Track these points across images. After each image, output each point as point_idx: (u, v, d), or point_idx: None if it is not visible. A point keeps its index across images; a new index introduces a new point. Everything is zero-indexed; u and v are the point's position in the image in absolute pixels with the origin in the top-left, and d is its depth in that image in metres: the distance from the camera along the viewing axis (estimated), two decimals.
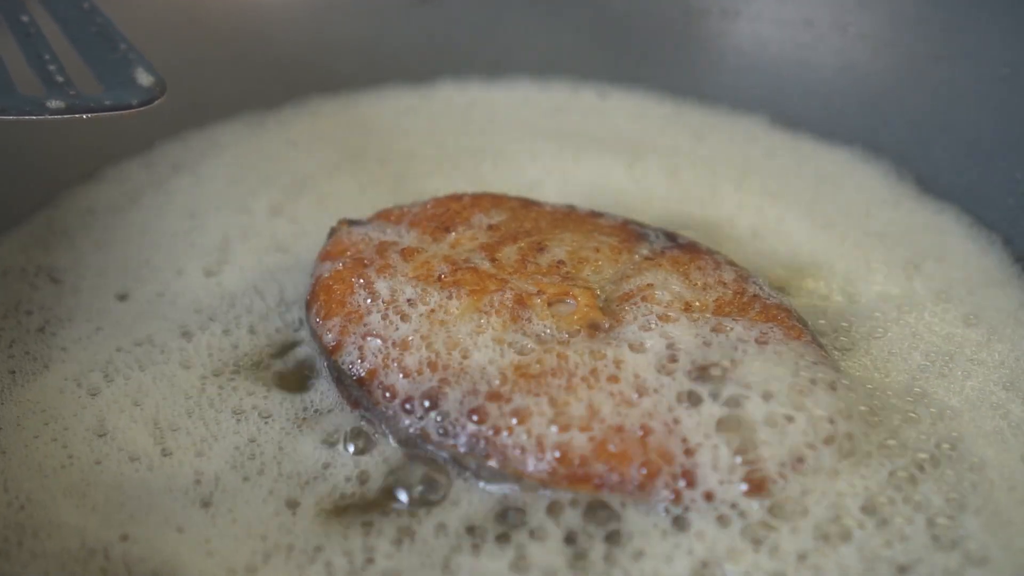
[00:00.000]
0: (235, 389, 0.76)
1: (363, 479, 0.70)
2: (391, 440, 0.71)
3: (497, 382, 0.69)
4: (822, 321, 0.81)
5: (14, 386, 0.77)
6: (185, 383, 0.77)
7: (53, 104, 0.74)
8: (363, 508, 0.68)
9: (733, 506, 0.66)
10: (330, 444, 0.72)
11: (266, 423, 0.74)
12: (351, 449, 0.72)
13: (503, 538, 0.66)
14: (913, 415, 0.73)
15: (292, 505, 0.69)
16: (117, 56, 0.79)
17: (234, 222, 0.92)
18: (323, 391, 0.76)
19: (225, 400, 0.75)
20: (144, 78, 0.78)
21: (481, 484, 0.68)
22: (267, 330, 0.81)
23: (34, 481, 0.70)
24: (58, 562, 0.65)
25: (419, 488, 0.69)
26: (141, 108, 0.76)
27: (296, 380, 0.77)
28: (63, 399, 0.76)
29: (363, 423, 0.73)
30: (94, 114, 0.74)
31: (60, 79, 0.77)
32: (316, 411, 0.74)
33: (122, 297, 0.85)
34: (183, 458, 0.72)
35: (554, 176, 0.97)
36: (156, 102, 0.77)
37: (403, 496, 0.69)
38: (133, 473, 0.71)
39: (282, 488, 0.70)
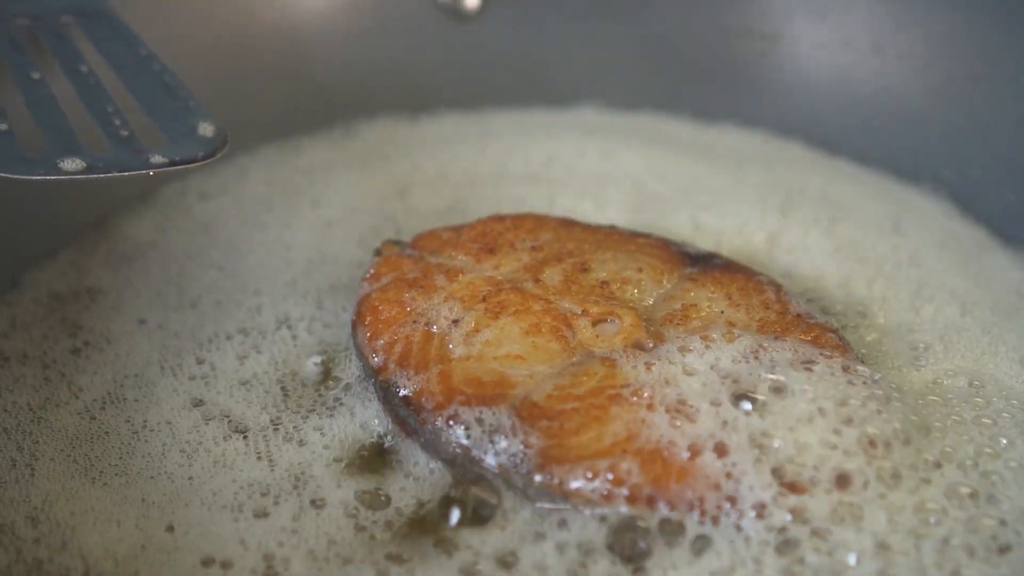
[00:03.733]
0: (283, 413, 0.77)
1: (420, 502, 0.71)
2: (437, 460, 0.72)
3: (542, 401, 0.70)
4: (864, 346, 0.81)
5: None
6: (250, 396, 0.78)
7: (113, 160, 0.74)
8: (421, 528, 0.69)
9: (781, 529, 0.66)
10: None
11: (311, 446, 0.75)
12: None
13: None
14: (964, 434, 0.73)
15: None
16: (177, 105, 0.79)
17: (274, 246, 0.93)
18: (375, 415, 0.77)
19: (276, 425, 0.77)
20: (206, 129, 0.78)
21: (528, 498, 0.69)
22: (312, 351, 0.82)
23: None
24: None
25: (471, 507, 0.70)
26: (205, 161, 0.76)
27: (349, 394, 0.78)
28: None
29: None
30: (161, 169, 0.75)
31: (125, 133, 0.77)
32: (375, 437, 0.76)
33: (156, 322, 0.86)
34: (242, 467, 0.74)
35: (591, 199, 0.98)
36: (219, 154, 0.77)
37: (455, 515, 0.70)
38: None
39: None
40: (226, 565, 0.67)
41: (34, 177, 0.72)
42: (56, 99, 0.78)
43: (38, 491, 0.72)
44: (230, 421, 0.77)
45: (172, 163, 0.75)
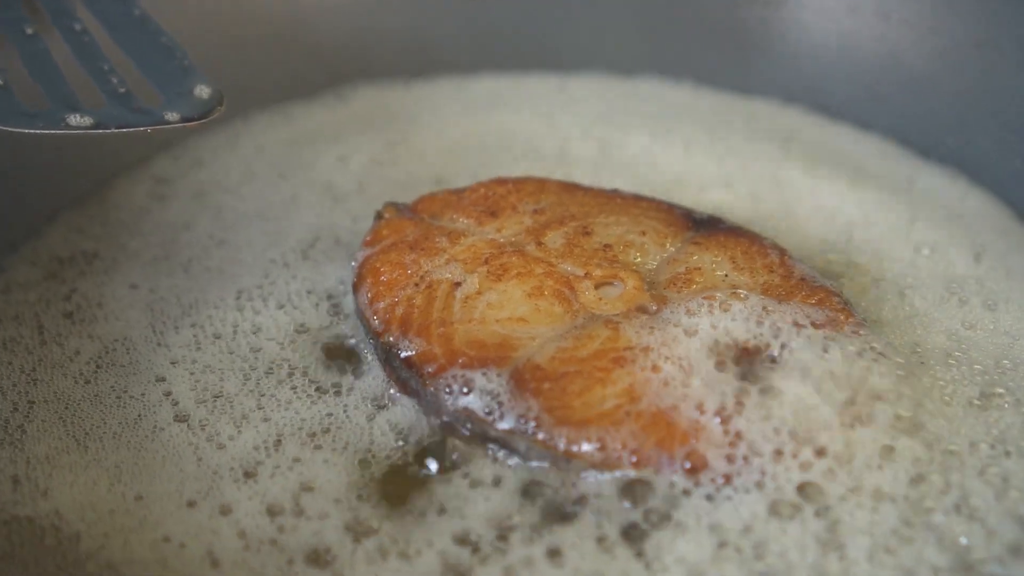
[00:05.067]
0: (284, 371, 0.77)
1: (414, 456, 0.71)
2: (436, 420, 0.72)
3: (544, 363, 0.70)
4: (866, 302, 0.81)
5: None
6: (235, 364, 0.78)
7: (116, 117, 0.74)
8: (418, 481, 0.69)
9: (782, 488, 0.66)
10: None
11: (315, 401, 0.75)
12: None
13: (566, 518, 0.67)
14: (962, 394, 0.73)
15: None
16: (174, 66, 0.79)
17: (268, 212, 0.92)
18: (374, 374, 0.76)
19: (277, 382, 0.76)
20: (202, 91, 0.77)
21: (529, 464, 0.69)
22: (313, 315, 0.81)
23: None
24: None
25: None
26: (202, 121, 0.76)
27: (344, 359, 0.78)
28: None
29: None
30: (157, 127, 0.75)
31: (122, 90, 0.76)
32: (365, 397, 0.75)
33: (148, 287, 0.85)
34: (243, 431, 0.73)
35: (596, 165, 0.97)
36: (216, 114, 0.77)
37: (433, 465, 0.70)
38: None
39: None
40: (183, 545, 0.66)
41: (38, 131, 0.72)
42: (51, 55, 0.77)
43: (26, 451, 0.72)
44: (214, 388, 0.76)
45: (175, 121, 0.75)
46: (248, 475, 0.70)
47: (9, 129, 0.71)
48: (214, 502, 0.69)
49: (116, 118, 0.74)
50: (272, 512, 0.68)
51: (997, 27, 0.96)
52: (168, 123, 0.75)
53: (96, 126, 0.72)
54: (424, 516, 0.67)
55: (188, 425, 0.73)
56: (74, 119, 0.72)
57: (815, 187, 0.94)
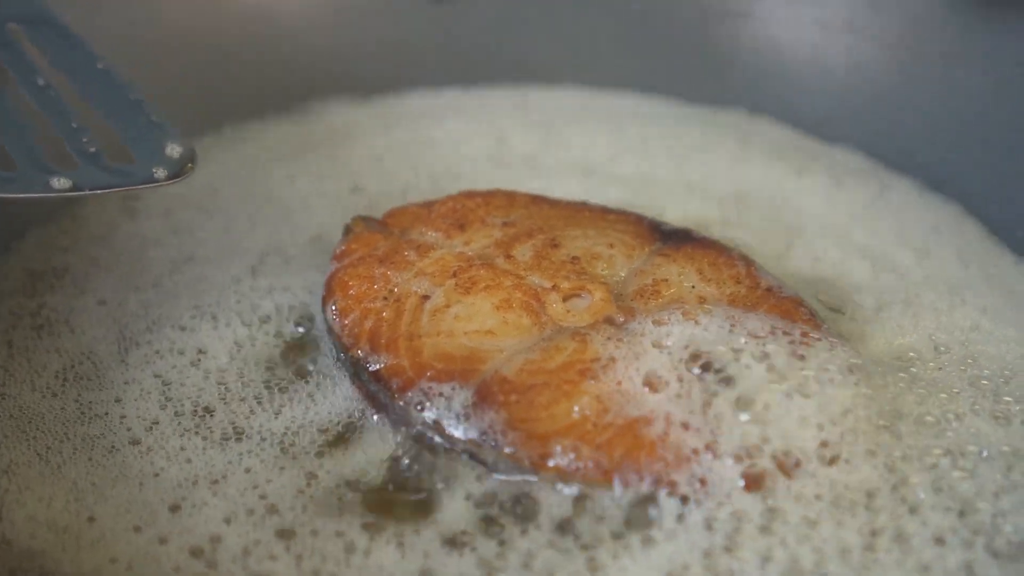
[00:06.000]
0: (250, 383, 0.77)
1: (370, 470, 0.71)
2: (403, 434, 0.72)
3: (512, 375, 0.70)
4: (834, 312, 0.82)
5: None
6: (200, 379, 0.78)
7: (66, 182, 0.72)
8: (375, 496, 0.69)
9: (750, 500, 0.66)
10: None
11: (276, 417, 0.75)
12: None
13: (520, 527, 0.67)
14: (932, 404, 0.73)
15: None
16: (143, 121, 0.78)
17: (249, 223, 0.92)
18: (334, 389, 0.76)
19: (245, 389, 0.76)
20: (174, 149, 0.76)
21: (497, 476, 0.69)
22: (281, 328, 0.81)
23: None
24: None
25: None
26: (175, 181, 0.75)
27: (310, 375, 0.78)
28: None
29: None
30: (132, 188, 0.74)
31: (93, 149, 0.75)
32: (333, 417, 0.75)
33: (116, 302, 0.85)
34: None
35: (565, 178, 0.98)
36: (190, 172, 0.76)
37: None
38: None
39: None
40: (130, 567, 0.66)
41: (20, 196, 0.71)
42: (18, 114, 0.76)
43: None
44: (179, 406, 0.76)
45: (150, 182, 0.74)
46: (176, 508, 0.69)
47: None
48: (153, 531, 0.68)
49: (93, 180, 0.73)
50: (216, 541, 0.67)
51: (965, 41, 0.97)
52: (144, 184, 0.74)
53: (74, 188, 0.72)
54: (396, 530, 0.67)
55: (141, 447, 0.73)
56: (56, 182, 0.72)
57: (783, 199, 0.95)
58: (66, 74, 0.80)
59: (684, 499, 0.66)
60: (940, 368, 0.76)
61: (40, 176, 0.72)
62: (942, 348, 0.78)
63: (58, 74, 0.80)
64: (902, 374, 0.75)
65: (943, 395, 0.74)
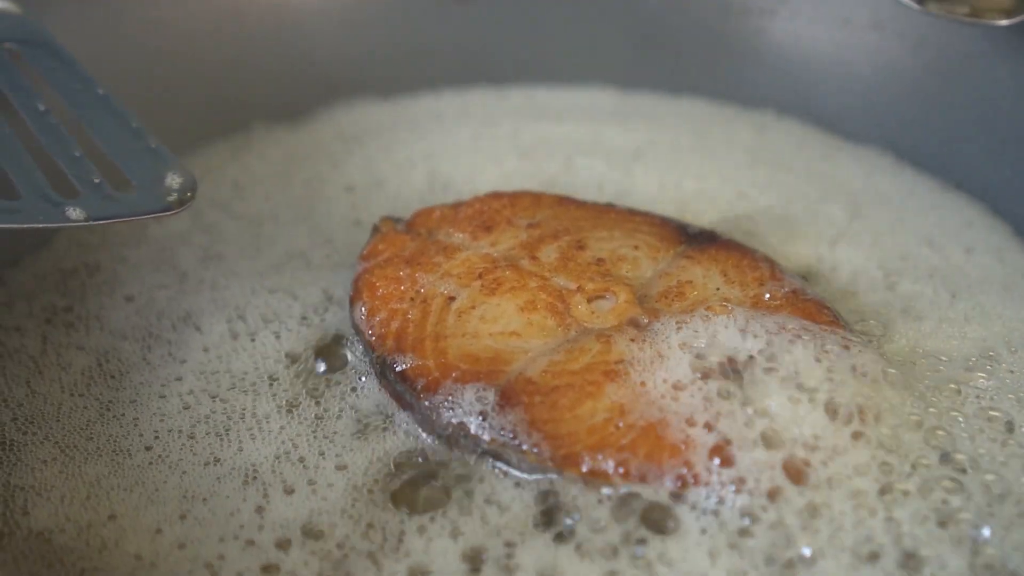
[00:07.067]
0: (280, 386, 0.78)
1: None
2: (429, 433, 0.73)
3: (536, 377, 0.70)
4: (858, 315, 0.82)
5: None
6: (225, 383, 0.79)
7: (76, 213, 0.72)
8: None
9: (774, 504, 0.66)
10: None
11: (307, 418, 0.76)
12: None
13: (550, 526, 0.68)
14: (957, 409, 0.73)
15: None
16: (142, 150, 0.78)
17: (273, 225, 0.93)
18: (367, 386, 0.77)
19: (274, 395, 0.77)
20: (174, 180, 0.77)
21: (521, 474, 0.69)
22: (311, 329, 0.82)
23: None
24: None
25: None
26: (178, 212, 0.75)
27: (339, 375, 0.78)
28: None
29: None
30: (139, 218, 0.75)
31: (96, 180, 0.75)
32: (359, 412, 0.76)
33: (143, 299, 0.86)
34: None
35: (594, 178, 0.98)
36: (190, 203, 0.76)
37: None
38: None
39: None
40: (152, 566, 0.67)
41: (36, 226, 0.72)
42: (22, 142, 0.76)
43: (17, 463, 0.73)
44: (200, 405, 0.77)
45: (155, 212, 0.75)
46: (196, 507, 0.70)
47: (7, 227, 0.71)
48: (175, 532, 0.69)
49: (101, 210, 0.73)
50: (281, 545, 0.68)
51: (990, 39, 0.97)
52: (149, 215, 0.74)
53: (88, 219, 0.72)
54: (426, 529, 0.68)
55: (154, 451, 0.74)
56: (72, 212, 0.72)
57: (809, 198, 0.95)
58: (65, 99, 0.80)
59: (707, 499, 0.66)
60: (968, 370, 0.76)
61: (48, 206, 0.72)
62: (970, 351, 0.78)
63: (58, 98, 0.80)
64: (929, 373, 0.76)
65: (971, 398, 0.74)
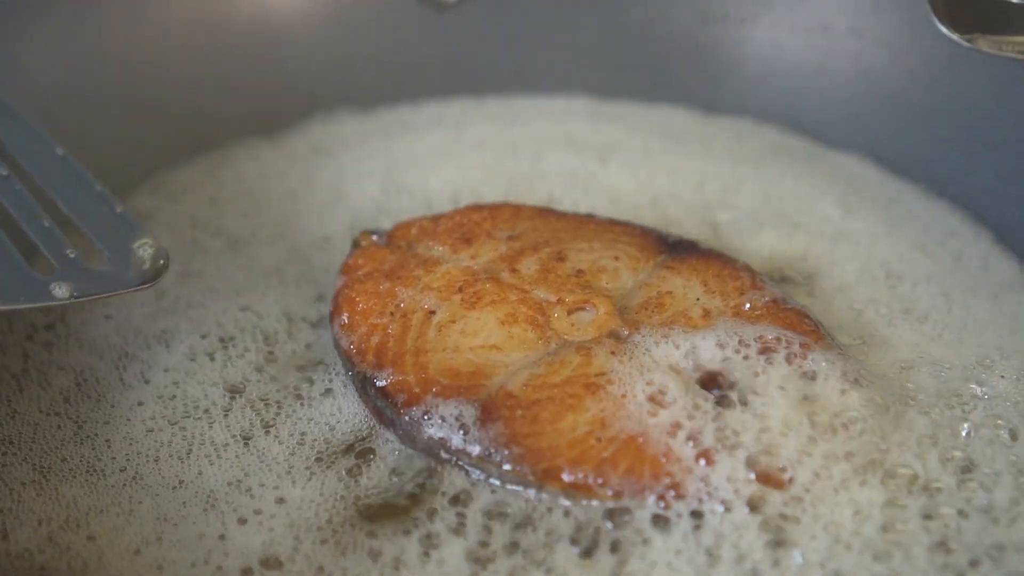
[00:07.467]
0: (258, 401, 0.78)
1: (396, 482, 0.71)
2: (410, 448, 0.72)
3: (517, 390, 0.70)
4: (838, 322, 0.81)
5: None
6: (213, 394, 0.78)
7: (61, 291, 0.71)
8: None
9: (756, 517, 0.66)
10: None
11: (284, 435, 0.75)
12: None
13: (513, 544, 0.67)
14: (937, 414, 0.73)
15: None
16: (109, 216, 0.77)
17: (254, 239, 0.93)
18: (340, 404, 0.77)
19: (251, 413, 0.77)
20: (145, 248, 0.76)
21: (503, 490, 0.69)
22: (289, 343, 0.82)
23: None
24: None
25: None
26: (154, 284, 0.75)
27: (317, 392, 0.78)
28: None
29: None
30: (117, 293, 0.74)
31: (71, 254, 0.74)
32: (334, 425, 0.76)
33: (121, 318, 0.86)
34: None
35: (575, 189, 0.98)
36: (163, 275, 0.75)
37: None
38: None
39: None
40: None
41: (21, 307, 0.71)
42: None
43: None
44: (178, 423, 0.76)
45: (134, 286, 0.74)
46: (173, 528, 0.70)
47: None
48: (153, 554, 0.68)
49: (84, 288, 0.72)
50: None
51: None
52: (127, 289, 0.74)
53: (72, 297, 0.71)
54: (405, 547, 0.68)
55: (128, 472, 0.73)
56: (58, 290, 0.71)
57: (790, 207, 0.95)
58: (25, 161, 0.77)
59: (688, 513, 0.66)
60: (941, 380, 0.76)
61: (30, 285, 0.71)
62: (946, 360, 0.78)
63: (17, 161, 0.77)
64: (909, 384, 0.76)
65: (948, 408, 0.74)
